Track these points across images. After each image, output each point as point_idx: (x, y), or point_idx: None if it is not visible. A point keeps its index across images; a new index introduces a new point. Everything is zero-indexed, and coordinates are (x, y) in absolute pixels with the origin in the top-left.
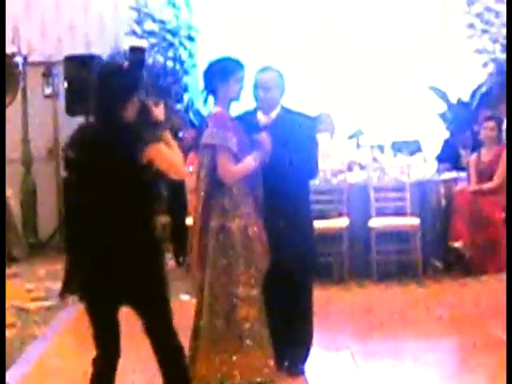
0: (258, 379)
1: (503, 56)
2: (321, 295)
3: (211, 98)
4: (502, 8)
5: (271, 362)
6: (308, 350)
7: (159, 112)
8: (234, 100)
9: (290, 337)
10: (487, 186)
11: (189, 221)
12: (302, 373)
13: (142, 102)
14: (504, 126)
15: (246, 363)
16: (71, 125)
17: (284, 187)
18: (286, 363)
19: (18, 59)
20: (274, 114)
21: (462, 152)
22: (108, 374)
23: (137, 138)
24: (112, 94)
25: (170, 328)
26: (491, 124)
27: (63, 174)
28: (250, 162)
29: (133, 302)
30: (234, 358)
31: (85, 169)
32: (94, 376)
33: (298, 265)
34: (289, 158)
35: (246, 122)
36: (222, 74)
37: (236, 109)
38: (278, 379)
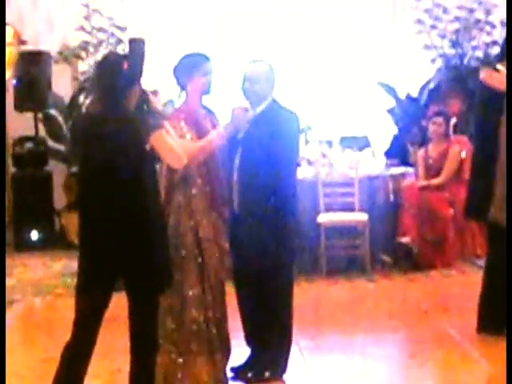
0: None
1: (451, 52)
2: None
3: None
4: (450, 4)
5: (215, 370)
6: (281, 355)
7: (158, 101)
8: (204, 93)
9: (260, 342)
10: (435, 181)
11: None
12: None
13: (142, 91)
14: (452, 121)
15: (188, 367)
16: (20, 121)
17: (260, 183)
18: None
19: None
20: (261, 108)
21: (410, 147)
22: (78, 363)
23: (142, 126)
24: (116, 83)
25: (154, 319)
26: (439, 119)
27: (12, 170)
28: (215, 138)
29: (131, 280)
30: (180, 360)
31: (96, 159)
32: (62, 363)
33: (267, 264)
34: (269, 153)
35: None
36: (186, 68)
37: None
38: None
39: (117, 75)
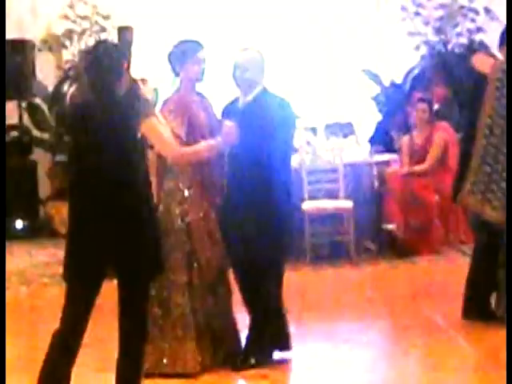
0: (182, 371)
1: (435, 38)
2: None
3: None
4: None
5: (199, 357)
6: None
7: (147, 89)
8: (197, 81)
9: (251, 332)
10: (419, 168)
11: None
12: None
13: (131, 79)
14: (435, 107)
15: (174, 353)
16: (5, 109)
17: (251, 175)
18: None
19: None
20: (251, 96)
21: (395, 134)
22: (67, 352)
23: (132, 113)
24: (107, 71)
25: (145, 307)
26: (423, 106)
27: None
28: (202, 150)
29: (122, 267)
30: (166, 345)
31: (86, 147)
32: (51, 351)
33: (260, 256)
34: (260, 143)
35: (231, 103)
36: (179, 56)
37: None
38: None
39: (107, 63)
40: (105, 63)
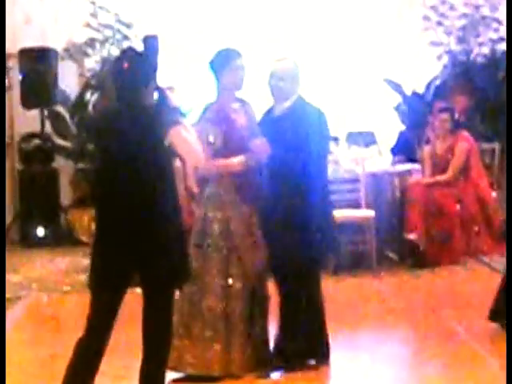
0: (205, 373)
1: (457, 48)
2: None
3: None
4: (457, 0)
5: (224, 361)
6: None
7: (175, 97)
8: (236, 88)
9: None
10: (441, 177)
11: None
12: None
13: (158, 88)
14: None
15: (199, 354)
16: (26, 118)
17: (287, 182)
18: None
19: None
20: (286, 105)
21: (417, 144)
22: (91, 359)
23: (159, 121)
24: (134, 79)
25: (170, 315)
26: (445, 116)
27: (18, 166)
28: (234, 165)
29: (147, 276)
30: (192, 345)
31: (114, 155)
32: (74, 360)
33: (297, 263)
34: (295, 151)
35: (267, 112)
36: (217, 64)
37: None
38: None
39: (134, 71)
40: (131, 71)
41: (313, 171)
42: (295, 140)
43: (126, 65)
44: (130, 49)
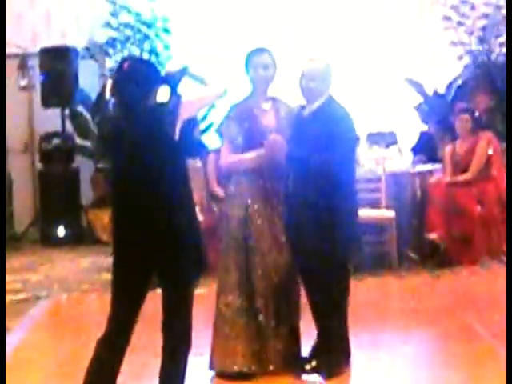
0: (229, 369)
1: (478, 48)
2: None
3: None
4: (477, 0)
5: (244, 358)
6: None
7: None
8: (261, 85)
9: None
10: (462, 177)
11: None
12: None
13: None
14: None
15: (222, 350)
16: (47, 117)
17: (313, 182)
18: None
19: None
20: (316, 105)
21: (439, 144)
22: (112, 359)
23: (168, 118)
24: (134, 86)
25: (189, 312)
26: (465, 116)
27: (39, 166)
28: (247, 159)
29: (164, 273)
30: (214, 341)
31: (127, 157)
32: (95, 359)
33: (323, 264)
34: (322, 151)
35: (298, 111)
36: (245, 63)
37: None
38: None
39: (134, 78)
40: (131, 79)
41: (340, 172)
42: (323, 140)
43: (124, 73)
44: (128, 56)
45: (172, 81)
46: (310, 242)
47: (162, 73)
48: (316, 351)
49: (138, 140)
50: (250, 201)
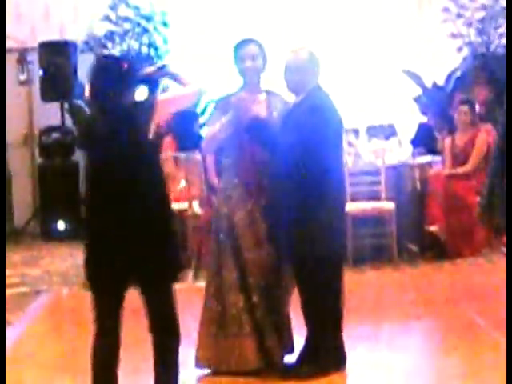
0: (235, 368)
1: (478, 40)
2: None
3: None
4: None
5: (252, 355)
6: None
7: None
8: (247, 77)
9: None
10: (462, 169)
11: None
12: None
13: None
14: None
15: (234, 349)
16: (46, 111)
17: (297, 173)
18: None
19: None
20: (301, 97)
21: (438, 136)
22: (108, 359)
23: (142, 116)
24: (107, 84)
25: (170, 309)
26: (465, 108)
27: (38, 160)
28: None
29: (143, 277)
30: (224, 342)
31: (101, 157)
32: (94, 361)
33: (312, 259)
34: (304, 142)
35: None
36: (233, 55)
37: None
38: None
39: (108, 76)
40: (104, 77)
41: (325, 161)
42: (305, 130)
43: (97, 71)
44: (104, 55)
45: (150, 80)
46: (295, 239)
47: (143, 72)
48: (303, 356)
49: (111, 138)
50: (233, 197)
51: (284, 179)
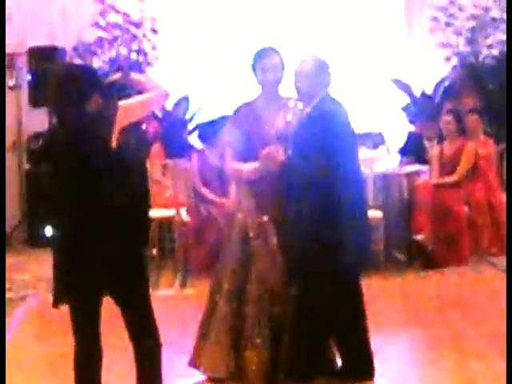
0: (211, 374)
1: (466, 49)
2: None
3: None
4: (466, 2)
5: (227, 363)
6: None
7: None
8: (268, 87)
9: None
10: (449, 179)
11: (152, 213)
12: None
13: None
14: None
15: (210, 355)
16: (35, 116)
17: (312, 184)
18: None
19: None
20: (310, 106)
21: (427, 145)
22: (90, 367)
23: (103, 120)
24: (67, 94)
25: (150, 321)
26: (448, 118)
27: (26, 166)
28: (245, 171)
29: (116, 291)
30: (207, 347)
31: (65, 166)
32: (76, 371)
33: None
34: (321, 149)
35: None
36: (252, 64)
37: None
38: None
39: (68, 87)
40: (65, 87)
41: (339, 172)
42: (318, 142)
43: (62, 74)
44: (67, 64)
45: (111, 87)
46: (309, 249)
47: (105, 80)
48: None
49: (70, 149)
50: (246, 207)
51: (298, 191)
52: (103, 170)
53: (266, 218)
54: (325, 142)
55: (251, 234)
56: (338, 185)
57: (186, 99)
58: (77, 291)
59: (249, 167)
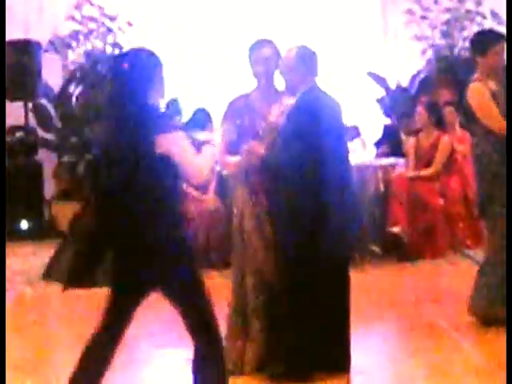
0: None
1: (441, 42)
2: None
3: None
4: None
5: (238, 357)
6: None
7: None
8: (261, 80)
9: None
10: (425, 172)
11: None
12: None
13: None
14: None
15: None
16: (11, 110)
17: (300, 176)
18: None
19: None
20: (295, 98)
21: (404, 137)
22: (103, 356)
23: (150, 126)
24: (137, 80)
25: (202, 320)
26: (420, 110)
27: (8, 162)
28: (231, 164)
29: (167, 287)
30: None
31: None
32: (86, 354)
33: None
34: (310, 140)
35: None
36: (248, 58)
37: None
38: None
39: (138, 71)
40: (135, 72)
41: (329, 165)
42: (300, 131)
43: (125, 64)
44: (136, 49)
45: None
46: (299, 241)
47: None
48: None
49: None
50: (241, 199)
51: (288, 182)
52: (150, 172)
53: (259, 210)
54: (309, 132)
55: (245, 227)
56: (324, 175)
57: (175, 101)
58: (130, 281)
59: (234, 160)
